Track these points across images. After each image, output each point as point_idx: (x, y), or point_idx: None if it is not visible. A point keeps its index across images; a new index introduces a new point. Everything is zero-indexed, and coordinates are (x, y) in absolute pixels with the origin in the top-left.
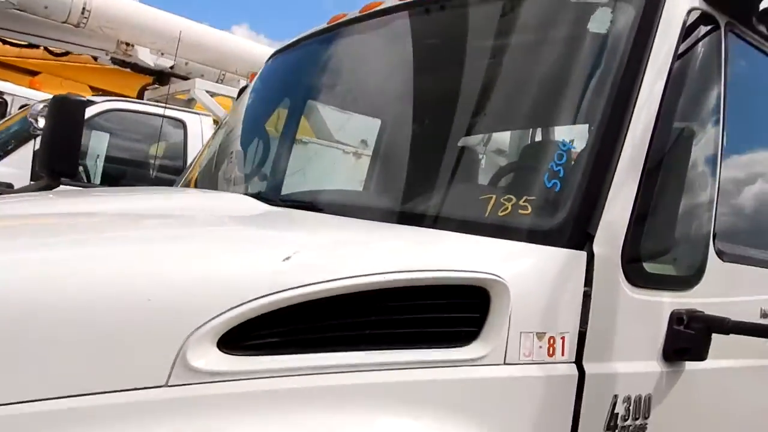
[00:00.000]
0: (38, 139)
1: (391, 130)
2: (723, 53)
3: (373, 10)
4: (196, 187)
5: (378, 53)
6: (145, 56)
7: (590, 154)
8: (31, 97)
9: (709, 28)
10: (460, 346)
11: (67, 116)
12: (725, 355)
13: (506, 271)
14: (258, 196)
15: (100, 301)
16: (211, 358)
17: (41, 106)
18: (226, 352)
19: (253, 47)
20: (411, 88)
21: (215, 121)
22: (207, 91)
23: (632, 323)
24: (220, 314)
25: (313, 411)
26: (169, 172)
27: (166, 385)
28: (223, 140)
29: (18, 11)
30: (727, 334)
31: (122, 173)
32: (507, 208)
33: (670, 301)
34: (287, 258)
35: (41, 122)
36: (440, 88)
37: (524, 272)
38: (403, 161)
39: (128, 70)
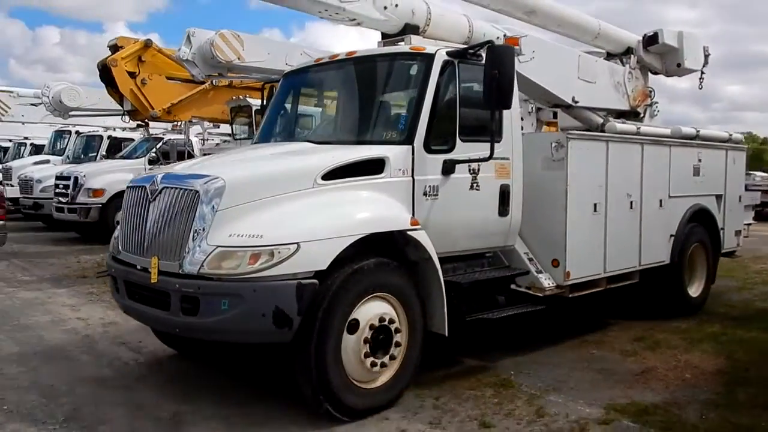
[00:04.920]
0: None
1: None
2: (457, 71)
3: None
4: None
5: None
6: None
7: (411, 116)
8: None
9: (451, 63)
10: (379, 174)
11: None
12: (457, 172)
13: (389, 153)
14: (308, 141)
15: (288, 172)
16: (320, 182)
17: None
18: (323, 180)
19: None
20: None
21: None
22: None
23: (429, 165)
24: (320, 170)
25: (350, 191)
26: None
27: (312, 187)
28: (279, 117)
29: None
30: (460, 163)
31: None
32: (390, 136)
33: (442, 157)
34: (333, 156)
35: None
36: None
37: (395, 153)
38: (355, 124)
39: None
